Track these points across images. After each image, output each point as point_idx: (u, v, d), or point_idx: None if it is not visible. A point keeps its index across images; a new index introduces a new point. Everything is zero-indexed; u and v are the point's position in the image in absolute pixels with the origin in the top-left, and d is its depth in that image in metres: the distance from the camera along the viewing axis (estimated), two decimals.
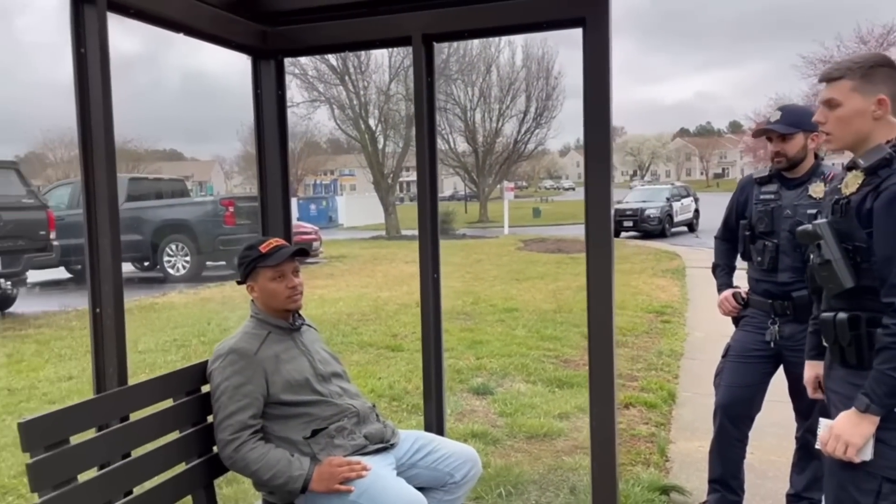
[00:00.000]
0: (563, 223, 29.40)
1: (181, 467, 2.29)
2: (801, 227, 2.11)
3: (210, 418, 2.37)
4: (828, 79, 1.99)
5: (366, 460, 2.32)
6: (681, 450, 4.08)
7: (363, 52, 23.80)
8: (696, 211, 25.50)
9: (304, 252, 2.51)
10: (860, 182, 1.92)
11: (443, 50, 27.38)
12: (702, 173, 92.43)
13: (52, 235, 9.81)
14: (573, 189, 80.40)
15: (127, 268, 13.34)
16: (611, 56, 2.42)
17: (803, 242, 2.08)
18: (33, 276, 10.48)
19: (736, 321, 3.20)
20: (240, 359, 2.32)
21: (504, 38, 31.78)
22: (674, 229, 23.57)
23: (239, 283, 2.51)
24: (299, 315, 2.55)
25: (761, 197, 2.99)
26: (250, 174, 56.01)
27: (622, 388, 5.19)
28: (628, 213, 23.10)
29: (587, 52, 2.43)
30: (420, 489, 2.32)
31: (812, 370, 2.30)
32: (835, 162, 3.08)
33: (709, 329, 7.06)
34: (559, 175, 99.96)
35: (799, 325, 2.85)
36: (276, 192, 3.02)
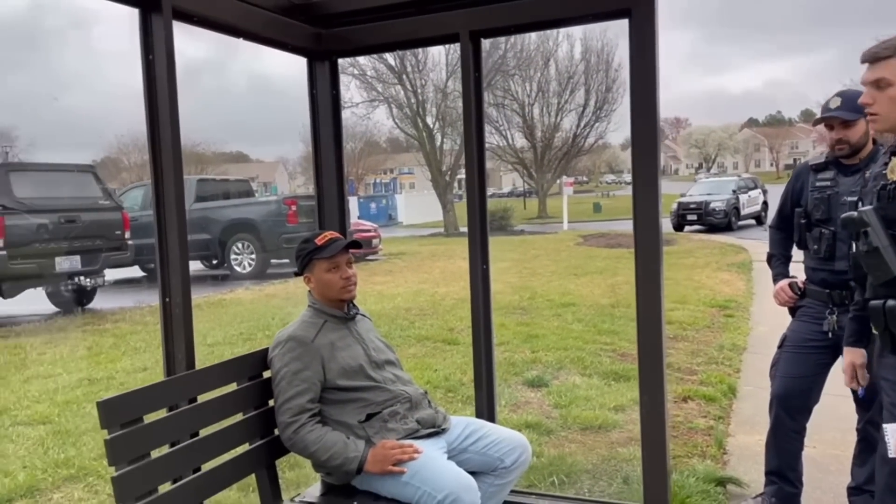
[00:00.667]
0: (624, 218, 28.91)
1: (244, 447, 2.43)
2: (844, 215, 2.08)
3: (271, 402, 2.50)
4: (874, 58, 1.95)
5: (418, 444, 2.40)
6: (740, 443, 4.03)
7: (420, 51, 24.03)
8: (765, 203, 24.70)
9: (356, 244, 2.62)
10: None
11: (500, 45, 27.35)
12: (772, 164, 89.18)
13: (127, 235, 10.32)
14: None
15: (196, 266, 13.90)
16: (657, 47, 2.43)
17: (849, 231, 2.04)
18: (109, 274, 11.05)
19: (793, 311, 3.15)
20: (298, 346, 2.43)
21: (562, 32, 31.51)
22: (741, 222, 22.91)
23: (297, 274, 2.63)
24: (354, 305, 2.65)
25: (817, 184, 2.94)
26: (312, 174, 57.22)
27: (681, 381, 5.14)
28: (692, 206, 22.57)
29: (633, 43, 2.44)
30: (471, 474, 2.38)
31: (850, 356, 2.26)
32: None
33: (774, 323, 6.86)
34: (620, 169, 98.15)
35: None
36: (332, 190, 3.14)
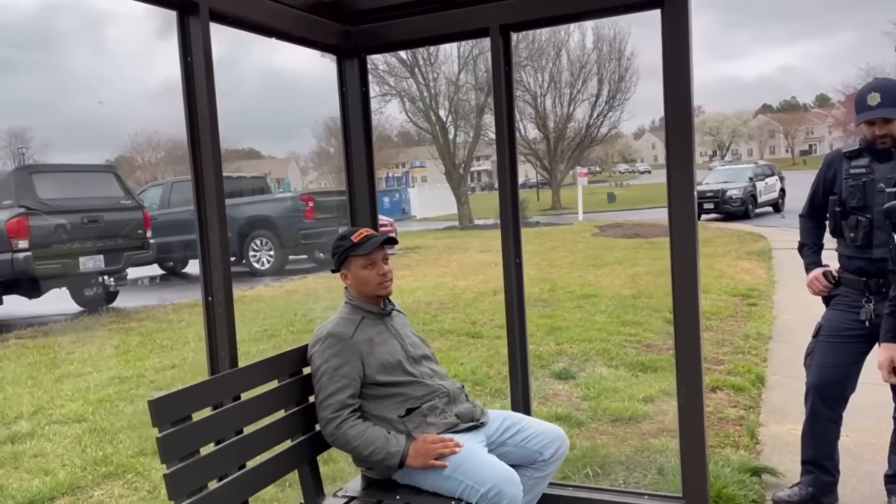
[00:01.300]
0: (639, 208, 28.80)
1: (287, 444, 2.46)
2: (888, 204, 2.07)
3: (311, 398, 2.53)
4: None
5: (458, 438, 2.42)
6: (771, 432, 4.01)
7: None
8: (782, 190, 24.47)
9: (392, 240, 2.63)
10: None
11: (513, 36, 27.22)
12: (787, 151, 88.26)
13: (149, 234, 10.41)
14: (649, 172, 78.34)
15: None
16: (691, 36, 2.42)
17: (891, 220, 2.03)
18: (132, 272, 11.17)
19: (826, 300, 3.13)
20: (337, 342, 2.46)
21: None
22: (758, 210, 22.72)
23: (333, 271, 2.65)
24: (389, 301, 2.67)
25: (852, 171, 2.91)
26: (325, 170, 57.43)
27: (708, 371, 5.12)
28: (708, 194, 22.38)
29: (666, 33, 2.44)
30: (510, 467, 2.40)
31: (888, 352, 2.23)
32: None
33: (798, 312, 6.84)
34: (634, 159, 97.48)
35: None
36: (363, 185, 3.15)
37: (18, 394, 5.58)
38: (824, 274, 3.07)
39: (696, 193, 2.56)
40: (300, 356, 2.58)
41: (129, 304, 10.18)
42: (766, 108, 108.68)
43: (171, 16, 2.29)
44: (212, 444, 2.21)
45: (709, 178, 24.26)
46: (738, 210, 21.73)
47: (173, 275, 14.29)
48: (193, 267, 14.36)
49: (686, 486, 2.60)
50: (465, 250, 15.56)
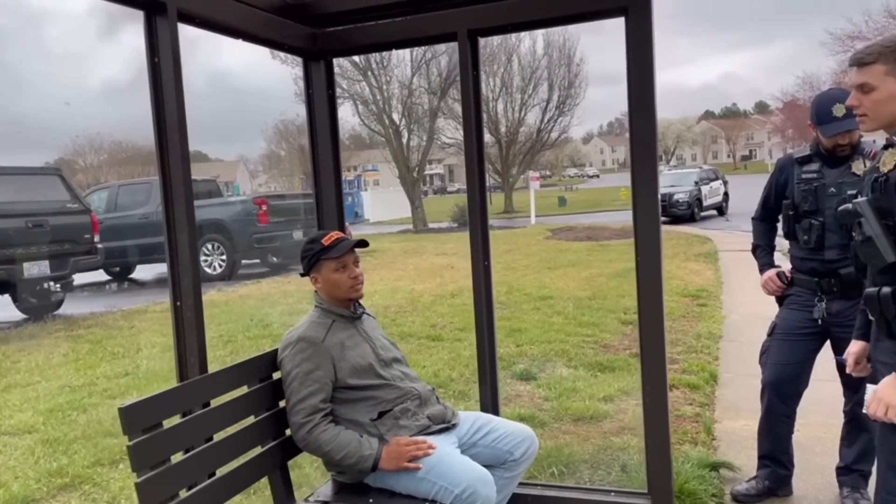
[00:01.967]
0: (589, 211, 29.31)
1: (257, 450, 2.43)
2: (841, 207, 2.16)
3: (282, 403, 2.51)
4: (860, 63, 2.02)
5: (430, 440, 2.43)
6: (726, 429, 4.14)
7: None
8: (726, 194, 25.22)
9: (364, 243, 2.63)
10: None
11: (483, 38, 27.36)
12: (729, 156, 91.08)
13: (97, 238, 10.09)
14: (598, 176, 79.85)
15: (161, 268, 13.66)
16: (654, 43, 2.49)
17: (844, 222, 2.13)
18: (78, 278, 10.80)
19: (780, 300, 3.24)
20: (308, 346, 2.44)
21: None
22: (703, 213, 23.36)
23: (303, 275, 2.63)
24: (360, 304, 2.67)
25: (804, 176, 3.03)
26: (275, 172, 56.60)
27: None
28: None
29: (630, 40, 2.51)
30: None
31: (854, 347, 2.34)
32: (875, 139, 3.10)
33: (746, 311, 7.08)
34: (583, 163, 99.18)
35: (847, 301, 2.90)
36: (330, 188, 3.14)
37: None
38: (778, 275, 3.19)
39: (658, 195, 2.63)
40: (270, 361, 2.55)
41: (77, 311, 9.85)
42: (708, 115, 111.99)
43: (114, 17, 2.25)
44: (181, 452, 2.17)
45: None
46: (684, 213, 22.30)
47: (121, 280, 13.89)
48: (141, 272, 13.98)
49: (651, 482, 2.66)
50: (420, 254, 15.57)
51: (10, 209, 8.97)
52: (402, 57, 26.64)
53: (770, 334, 3.21)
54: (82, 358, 6.76)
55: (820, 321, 3.00)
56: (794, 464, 3.23)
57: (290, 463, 3.26)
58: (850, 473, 3.12)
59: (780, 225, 3.21)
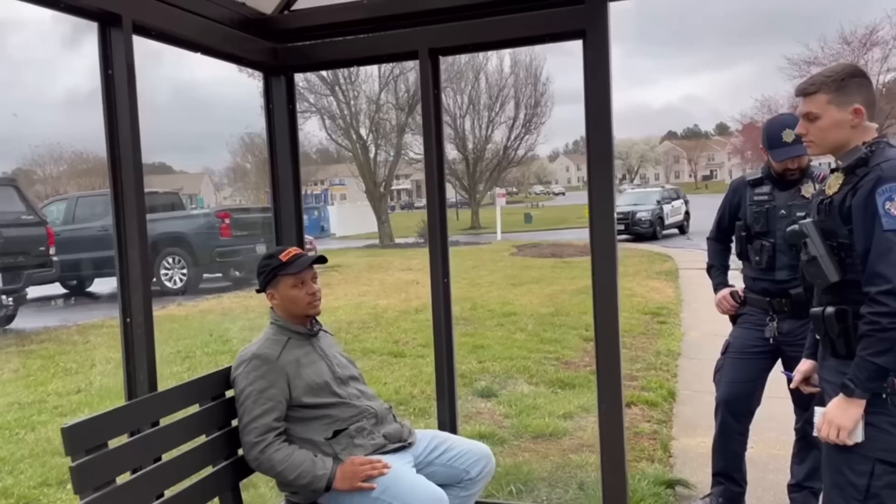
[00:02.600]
0: (555, 228, 29.59)
1: (209, 470, 2.37)
2: (789, 228, 2.23)
3: (234, 422, 2.46)
4: (804, 93, 2.10)
5: (386, 459, 2.40)
6: (683, 446, 4.19)
7: None
8: (687, 213, 25.72)
9: (322, 259, 2.61)
10: (841, 182, 2.04)
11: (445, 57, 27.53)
12: (690, 175, 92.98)
13: (52, 251, 9.84)
14: (563, 194, 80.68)
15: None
16: (610, 65, 2.54)
17: (792, 242, 2.19)
18: (31, 291, 10.51)
19: (733, 319, 3.30)
20: (263, 364, 2.40)
21: None
22: (665, 231, 23.76)
23: (259, 290, 2.59)
24: (317, 321, 2.64)
25: (755, 198, 3.10)
26: (240, 185, 55.98)
27: (623, 387, 5.29)
28: (619, 216, 23.11)
29: (588, 62, 2.55)
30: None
31: (803, 366, 2.40)
32: (821, 162, 3.19)
33: (704, 329, 7.19)
34: (549, 180, 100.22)
35: (797, 321, 2.97)
36: (289, 203, 3.12)
37: None
38: (731, 294, 3.25)
39: (615, 213, 2.66)
40: (223, 379, 2.51)
41: (29, 325, 9.56)
42: (671, 135, 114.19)
43: (79, 26, 2.22)
44: (128, 473, 2.11)
45: (620, 201, 25.17)
46: (646, 231, 22.67)
47: (77, 294, 13.54)
48: (98, 286, 13.65)
49: (606, 499, 2.67)
50: (386, 269, 15.51)
51: None
52: (369, 73, 26.69)
53: (724, 353, 3.26)
54: (33, 374, 6.56)
55: (771, 340, 3.07)
56: (747, 481, 3.28)
57: (245, 483, 3.20)
58: (801, 490, 3.17)
59: (733, 245, 3.28)
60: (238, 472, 2.48)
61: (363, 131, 26.89)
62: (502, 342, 7.04)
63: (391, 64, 24.41)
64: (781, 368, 3.00)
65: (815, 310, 2.11)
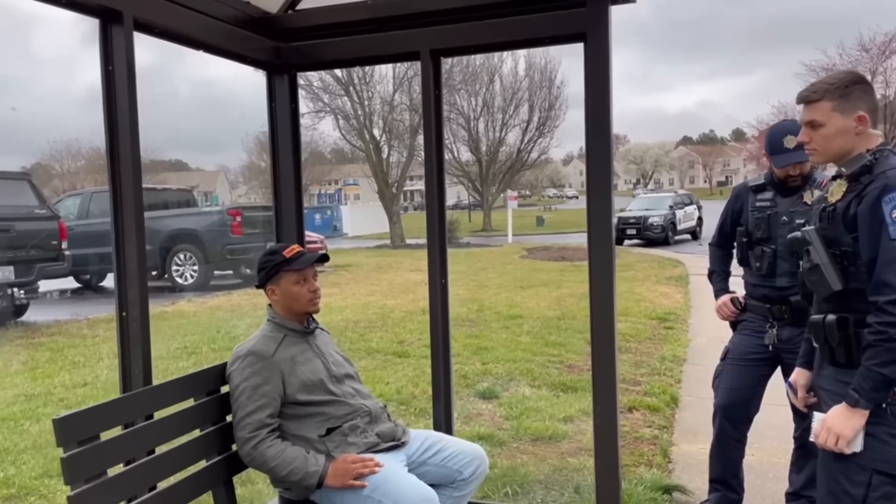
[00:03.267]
0: (566, 231, 29.49)
1: (202, 464, 2.39)
2: (790, 235, 2.21)
3: (229, 418, 2.48)
4: (807, 101, 2.08)
5: (378, 457, 2.41)
6: (683, 452, 4.17)
7: None
8: (700, 219, 25.58)
9: (325, 258, 2.63)
10: (844, 189, 2.02)
11: (447, 61, 27.58)
12: (705, 181, 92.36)
13: (64, 245, 9.94)
14: (577, 197, 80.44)
15: None
16: (611, 69, 2.54)
17: (793, 250, 2.18)
18: (44, 285, 10.63)
19: (734, 325, 3.29)
20: (258, 360, 2.42)
21: None
22: (677, 237, 23.65)
23: (258, 286, 2.61)
24: (314, 319, 2.65)
25: (757, 204, 3.09)
26: (255, 184, 56.29)
27: (626, 392, 5.28)
28: (632, 221, 23.19)
29: (588, 65, 2.55)
30: (430, 486, 2.40)
31: (795, 376, 2.38)
32: (825, 169, 3.16)
33: (711, 335, 7.14)
34: (562, 184, 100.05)
35: (797, 328, 2.94)
36: (290, 202, 3.14)
37: None
38: (732, 300, 3.23)
39: (613, 219, 2.66)
40: (218, 374, 2.52)
41: (41, 318, 9.67)
42: (686, 140, 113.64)
43: (96, 22, 2.24)
44: (121, 465, 2.13)
45: (632, 206, 25.14)
46: (658, 236, 22.56)
47: (89, 288, 13.68)
48: (111, 280, 13.76)
49: None
50: (395, 269, 15.54)
51: None
52: (384, 73, 26.79)
53: (723, 359, 3.25)
54: (41, 366, 6.63)
55: (771, 347, 3.05)
56: (744, 488, 3.26)
57: (241, 478, 3.23)
58: (799, 499, 3.14)
59: (735, 251, 3.27)
60: (231, 468, 2.49)
61: (376, 132, 26.98)
62: (507, 344, 7.04)
63: (405, 65, 24.50)
64: (785, 379, 2.98)
65: (815, 318, 2.08)
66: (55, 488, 3.66)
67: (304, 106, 26.58)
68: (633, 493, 3.33)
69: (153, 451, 2.24)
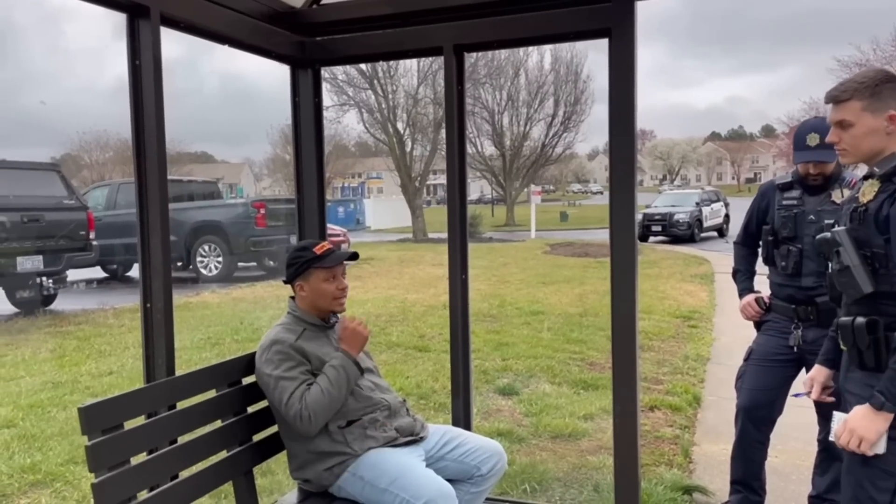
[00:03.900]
0: (590, 227, 29.32)
1: (223, 454, 2.42)
2: (819, 236, 2.16)
3: (250, 409, 2.51)
4: (836, 101, 2.04)
5: (397, 452, 2.43)
6: (705, 452, 4.13)
7: None
8: (727, 216, 25.25)
9: (355, 256, 2.65)
10: (876, 190, 1.97)
11: (471, 55, 27.50)
12: (733, 178, 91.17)
13: (92, 235, 10.12)
14: (601, 193, 79.87)
15: None
16: (636, 65, 2.51)
17: (822, 251, 2.13)
18: (72, 274, 10.83)
19: (758, 325, 3.24)
20: (283, 347, 2.44)
21: None
22: (703, 234, 23.38)
23: (286, 282, 2.62)
24: (334, 314, 2.67)
25: (784, 203, 3.04)
26: (279, 176, 56.72)
27: (647, 390, 5.24)
28: (657, 217, 22.97)
29: (613, 61, 2.52)
30: (448, 481, 2.40)
31: (815, 372, 2.35)
32: (855, 168, 3.10)
33: (736, 334, 7.05)
34: (587, 179, 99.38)
35: (822, 329, 2.88)
36: (312, 196, 3.15)
37: None
38: (756, 300, 3.19)
39: (636, 216, 2.64)
40: (240, 365, 2.55)
41: (68, 307, 9.86)
42: (714, 136, 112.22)
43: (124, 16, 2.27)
44: (144, 454, 2.17)
45: (657, 202, 24.89)
46: (684, 234, 22.33)
47: (115, 278, 13.90)
48: (137, 271, 13.95)
49: (618, 503, 2.65)
50: (417, 263, 15.58)
51: (6, 203, 9.01)
52: (408, 67, 26.78)
53: (746, 359, 3.21)
54: (69, 355, 6.76)
55: (795, 348, 3.00)
56: (766, 490, 3.22)
57: (262, 468, 3.26)
58: (822, 503, 3.10)
59: (760, 250, 3.22)
60: (252, 458, 2.53)
61: (400, 125, 27.01)
62: (528, 340, 7.02)
63: (430, 59, 24.48)
64: (794, 391, 2.94)
65: (844, 320, 2.04)
66: (80, 475, 3.73)
67: (328, 99, 26.69)
68: (652, 492, 3.31)
69: (175, 441, 2.27)
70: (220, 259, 13.39)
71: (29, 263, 9.17)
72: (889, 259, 1.91)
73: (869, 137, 2.00)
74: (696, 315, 8.61)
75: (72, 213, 9.88)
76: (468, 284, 2.96)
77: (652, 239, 22.43)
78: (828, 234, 2.09)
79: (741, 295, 3.27)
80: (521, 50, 32.13)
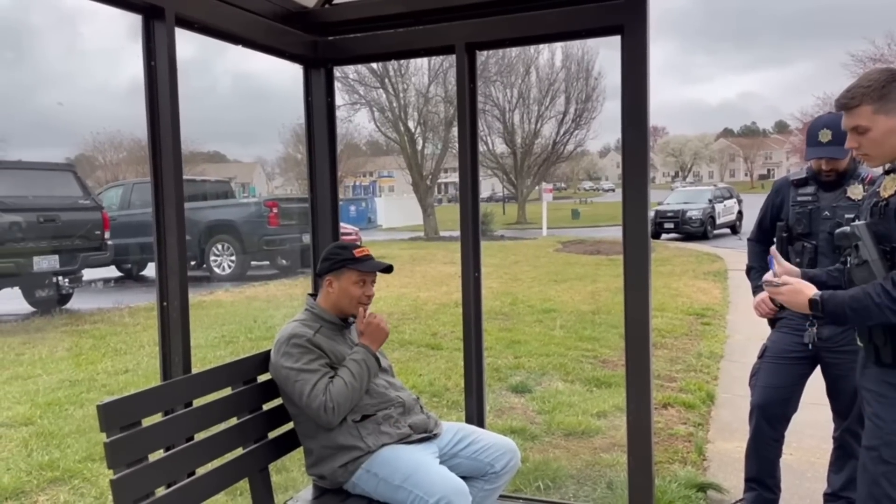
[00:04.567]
0: (602, 225, 29.23)
1: (238, 451, 2.44)
2: (839, 230, 2.15)
3: (266, 406, 2.53)
4: (845, 107, 2.03)
5: (411, 449, 2.44)
6: (719, 449, 4.11)
7: None
8: (740, 213, 25.10)
9: (390, 269, 2.71)
10: None
11: (482, 53, 27.46)
12: (746, 174, 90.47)
13: (107, 235, 10.21)
14: (613, 190, 79.60)
15: None
16: (648, 62, 2.51)
17: (841, 245, 2.12)
18: (88, 273, 10.94)
19: (772, 322, 3.23)
20: (301, 341, 2.45)
21: None
22: (716, 231, 23.24)
23: (318, 274, 2.66)
24: (353, 316, 2.68)
25: (798, 199, 3.02)
26: (291, 176, 56.95)
27: (661, 388, 5.23)
28: (669, 214, 22.86)
29: (625, 58, 2.52)
30: (462, 478, 2.41)
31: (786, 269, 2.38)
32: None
33: (750, 332, 7.02)
34: (598, 176, 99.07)
35: (837, 326, 2.88)
36: (325, 195, 3.18)
37: None
38: (770, 297, 3.17)
39: (649, 213, 2.64)
40: (255, 363, 2.57)
41: (84, 306, 9.95)
42: (727, 132, 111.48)
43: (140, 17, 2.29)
44: (161, 451, 2.19)
45: (670, 199, 24.75)
46: (697, 231, 22.21)
47: (130, 277, 14.02)
48: (152, 270, 14.09)
49: (633, 501, 2.65)
50: (429, 261, 15.59)
51: (22, 203, 9.11)
52: (419, 66, 26.80)
53: (760, 357, 3.19)
54: (85, 353, 6.84)
55: (810, 346, 2.98)
56: (780, 488, 3.20)
57: (277, 465, 3.29)
58: (837, 500, 3.09)
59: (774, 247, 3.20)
60: (267, 455, 2.55)
61: (411, 124, 27.04)
62: (540, 338, 7.02)
63: (441, 57, 24.47)
64: (825, 378, 2.93)
65: None
66: (98, 472, 3.77)
67: (339, 98, 26.71)
68: (666, 489, 3.31)
69: (192, 438, 2.30)
70: (233, 258, 13.47)
71: (45, 263, 9.27)
72: None
73: (888, 138, 1.99)
74: (710, 312, 8.57)
75: (87, 213, 9.98)
76: (481, 282, 2.97)
77: (664, 236, 22.32)
78: (847, 228, 2.08)
79: (755, 292, 3.24)
80: (532, 47, 32.05)
